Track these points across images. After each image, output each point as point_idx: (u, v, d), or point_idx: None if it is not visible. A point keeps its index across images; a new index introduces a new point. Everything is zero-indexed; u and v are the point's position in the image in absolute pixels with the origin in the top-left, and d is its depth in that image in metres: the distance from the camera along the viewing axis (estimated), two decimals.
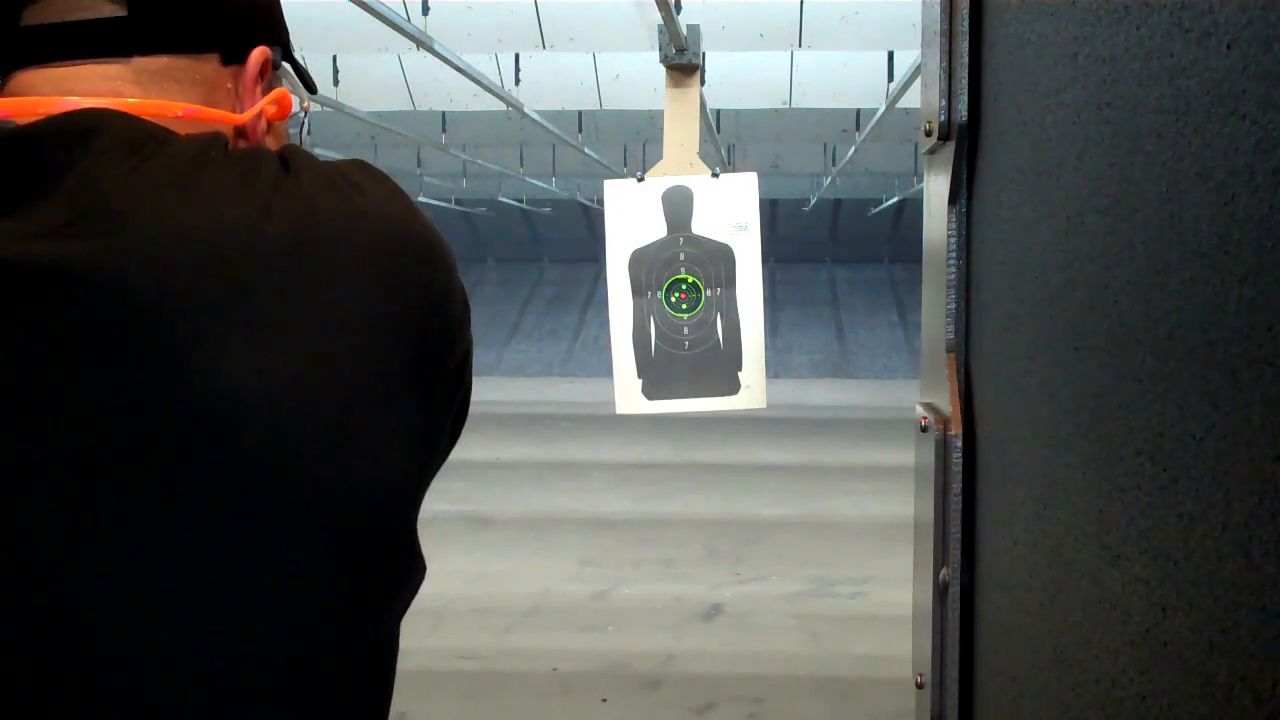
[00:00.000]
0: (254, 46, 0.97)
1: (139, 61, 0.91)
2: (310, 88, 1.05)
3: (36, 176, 0.82)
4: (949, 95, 1.17)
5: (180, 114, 0.91)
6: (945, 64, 1.17)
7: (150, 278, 0.79)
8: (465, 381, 0.95)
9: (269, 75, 0.99)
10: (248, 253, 0.82)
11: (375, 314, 0.86)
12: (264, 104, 0.98)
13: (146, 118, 0.89)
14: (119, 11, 0.90)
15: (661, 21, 3.41)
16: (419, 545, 0.93)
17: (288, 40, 1.03)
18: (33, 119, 0.86)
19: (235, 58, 0.96)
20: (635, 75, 7.57)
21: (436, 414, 0.92)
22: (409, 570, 0.92)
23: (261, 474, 0.81)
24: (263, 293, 0.82)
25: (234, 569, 0.81)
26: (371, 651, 0.90)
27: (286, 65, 1.03)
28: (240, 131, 0.97)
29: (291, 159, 0.89)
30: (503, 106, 7.71)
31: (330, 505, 0.83)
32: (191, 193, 0.83)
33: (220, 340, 0.80)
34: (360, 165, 0.93)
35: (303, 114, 1.05)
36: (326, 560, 0.84)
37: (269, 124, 1.00)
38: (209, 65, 0.95)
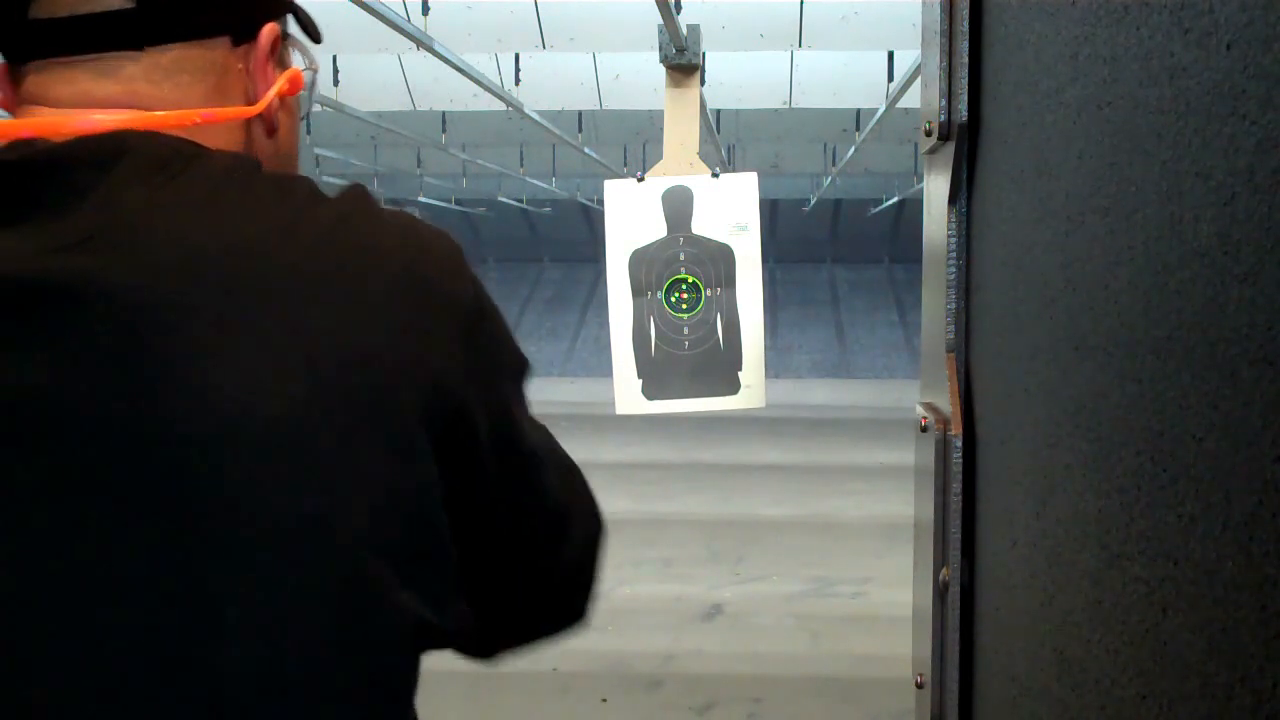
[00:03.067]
0: (263, 23, 0.97)
1: (151, 55, 0.91)
2: (314, 37, 1.04)
3: (64, 195, 0.83)
4: (949, 95, 1.17)
5: (198, 120, 0.91)
6: (945, 64, 1.17)
7: (158, 293, 0.80)
8: (479, 434, 0.92)
9: (278, 49, 0.99)
10: (259, 273, 0.83)
11: (382, 355, 0.85)
12: (278, 88, 0.98)
13: (171, 130, 0.89)
14: (127, 3, 0.90)
15: (661, 21, 3.41)
16: (455, 587, 0.91)
17: (292, 3, 1.02)
18: (63, 138, 0.87)
19: (246, 36, 0.96)
20: (635, 75, 7.57)
21: (437, 460, 0.89)
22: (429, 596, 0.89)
23: (258, 493, 0.81)
24: (272, 314, 0.82)
25: (230, 587, 0.81)
26: (375, 676, 0.87)
27: (293, 23, 1.01)
28: (255, 120, 0.97)
29: (338, 193, 0.89)
30: (503, 106, 7.71)
31: (328, 528, 0.83)
32: (210, 210, 0.84)
33: (224, 358, 0.80)
34: (410, 218, 0.92)
35: (311, 74, 1.04)
36: (323, 586, 0.83)
37: (281, 99, 1.00)
38: (219, 50, 0.95)
